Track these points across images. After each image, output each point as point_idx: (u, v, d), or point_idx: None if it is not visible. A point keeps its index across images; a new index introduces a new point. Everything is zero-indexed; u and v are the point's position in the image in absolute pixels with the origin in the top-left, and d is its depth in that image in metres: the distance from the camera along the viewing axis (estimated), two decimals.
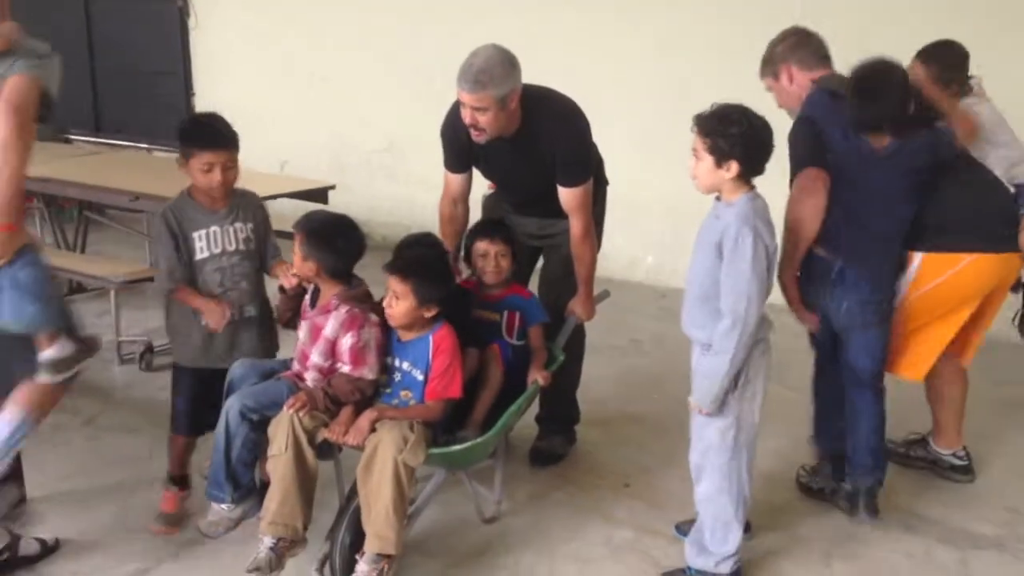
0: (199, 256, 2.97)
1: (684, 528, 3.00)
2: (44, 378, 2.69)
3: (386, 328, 2.83)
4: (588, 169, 3.23)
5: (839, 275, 2.94)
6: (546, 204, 3.26)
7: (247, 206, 3.08)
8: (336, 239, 2.80)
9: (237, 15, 7.37)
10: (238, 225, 3.02)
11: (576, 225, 3.22)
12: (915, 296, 3.00)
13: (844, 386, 3.13)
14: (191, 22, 7.57)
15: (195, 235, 2.96)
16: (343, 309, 2.78)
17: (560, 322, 3.34)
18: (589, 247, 3.27)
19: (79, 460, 3.56)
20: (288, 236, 3.00)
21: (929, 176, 2.92)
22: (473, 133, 3.03)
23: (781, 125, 2.77)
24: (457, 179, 3.31)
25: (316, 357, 2.81)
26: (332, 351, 2.79)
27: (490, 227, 3.25)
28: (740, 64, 5.11)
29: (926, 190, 2.92)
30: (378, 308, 2.82)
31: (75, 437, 3.75)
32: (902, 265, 3.01)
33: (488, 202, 3.57)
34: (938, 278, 2.97)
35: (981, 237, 3.00)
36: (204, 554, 2.97)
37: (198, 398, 3.03)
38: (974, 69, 3.40)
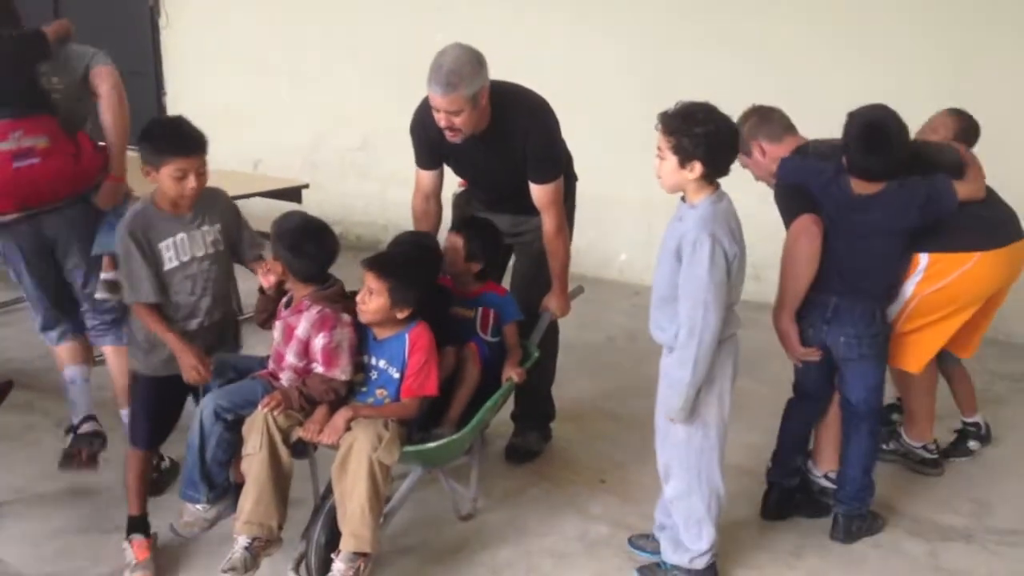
0: (168, 267, 2.82)
1: (639, 543, 3.02)
2: (99, 294, 3.21)
3: (361, 327, 2.83)
4: (559, 165, 3.25)
5: (834, 311, 2.95)
6: (517, 201, 3.27)
7: (213, 206, 2.93)
8: (305, 244, 2.78)
9: (208, 14, 7.31)
10: (205, 228, 2.88)
11: (549, 221, 3.24)
12: (925, 294, 3.01)
13: (812, 421, 3.21)
14: (162, 21, 7.50)
15: (162, 245, 2.81)
16: (314, 309, 2.77)
17: (533, 320, 3.36)
18: (563, 243, 3.29)
19: (50, 461, 3.50)
20: (264, 237, 2.99)
21: (924, 224, 2.91)
22: (448, 135, 3.03)
23: None
24: (428, 176, 3.32)
25: (291, 357, 2.80)
26: (306, 351, 2.79)
27: (459, 222, 3.27)
28: (715, 61, 5.23)
29: (923, 234, 2.93)
30: (351, 308, 2.81)
31: (45, 438, 3.71)
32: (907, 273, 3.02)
33: (459, 200, 3.57)
34: (948, 277, 2.99)
35: (986, 235, 3.04)
36: (179, 554, 2.96)
37: (162, 408, 2.95)
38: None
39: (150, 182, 2.84)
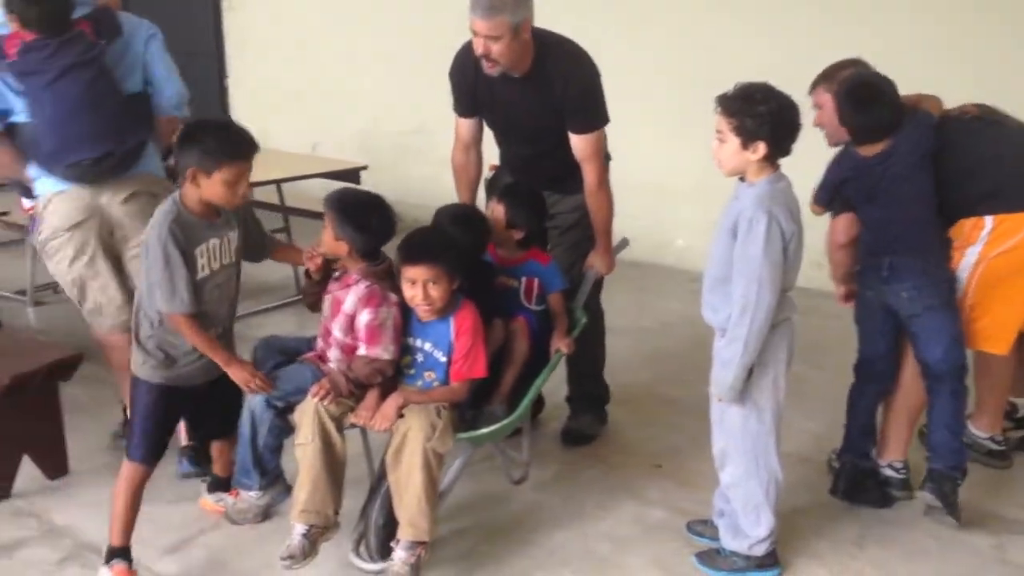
0: (200, 275, 2.65)
1: (697, 529, 3.00)
2: None
3: (406, 308, 2.79)
4: (600, 115, 3.20)
5: (889, 269, 2.96)
6: (551, 170, 3.23)
7: (234, 211, 2.76)
8: (370, 217, 2.76)
9: None
10: (231, 234, 2.74)
11: (590, 173, 3.19)
12: (991, 258, 2.98)
13: (877, 402, 3.19)
14: (225, 3, 7.61)
15: (197, 251, 2.64)
16: (363, 284, 2.74)
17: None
18: (605, 196, 3.24)
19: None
20: (318, 216, 2.94)
21: (931, 157, 2.94)
22: (486, 65, 3.00)
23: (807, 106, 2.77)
24: (467, 124, 3.31)
25: (337, 332, 2.77)
26: (351, 326, 2.75)
27: (499, 189, 3.22)
28: (772, 42, 5.14)
29: (937, 168, 2.96)
30: (399, 287, 2.77)
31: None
32: (970, 234, 3.00)
33: (491, 184, 3.53)
34: (1015, 237, 2.96)
35: None
36: (236, 538, 2.98)
37: (171, 419, 2.80)
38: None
39: (192, 188, 2.62)
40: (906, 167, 2.91)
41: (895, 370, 3.11)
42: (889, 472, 3.18)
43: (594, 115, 3.17)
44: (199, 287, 2.64)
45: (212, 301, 2.70)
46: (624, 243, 3.49)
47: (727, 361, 2.58)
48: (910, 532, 3.06)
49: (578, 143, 3.15)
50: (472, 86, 3.17)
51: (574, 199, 3.26)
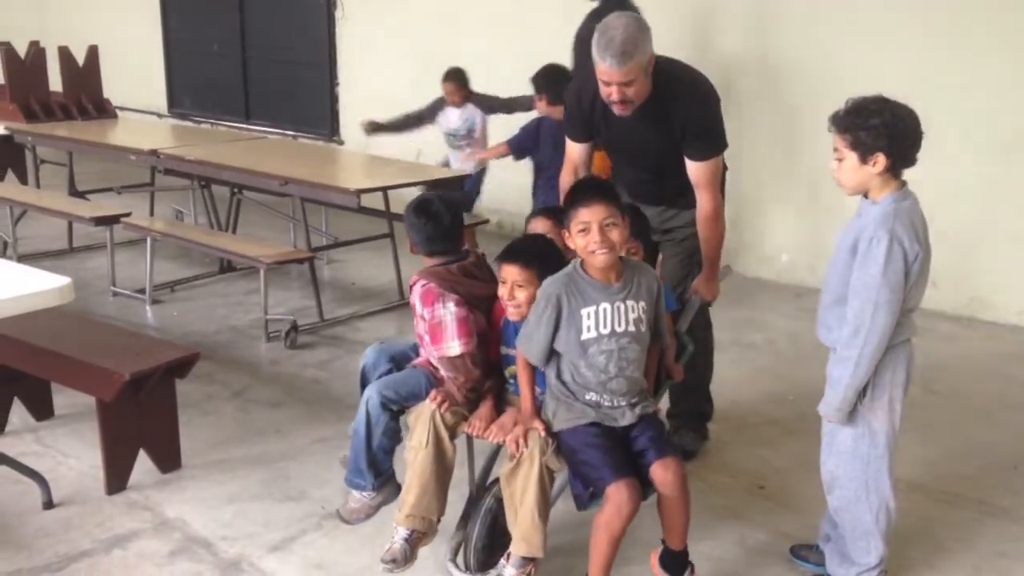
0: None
1: (802, 553, 2.91)
2: None
3: (490, 314, 2.79)
4: (719, 142, 3.15)
5: None
6: (665, 187, 3.20)
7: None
8: (417, 216, 2.78)
9: (381, 7, 7.57)
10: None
11: (704, 201, 3.14)
12: None
13: None
14: (338, 14, 7.82)
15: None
16: (419, 284, 2.76)
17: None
18: (718, 225, 3.19)
19: (228, 430, 3.75)
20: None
21: None
22: (619, 108, 2.99)
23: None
24: (578, 148, 3.31)
25: (421, 332, 2.80)
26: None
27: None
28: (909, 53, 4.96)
29: None
30: (459, 285, 2.76)
31: (225, 408, 3.94)
32: None
33: None
34: None
35: None
36: (346, 525, 3.03)
37: None
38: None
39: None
40: None
41: None
42: None
43: (713, 143, 3.13)
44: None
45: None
46: (727, 271, 3.44)
47: (835, 381, 2.51)
48: None
49: (695, 170, 3.12)
50: (588, 114, 3.17)
51: (689, 213, 3.23)
